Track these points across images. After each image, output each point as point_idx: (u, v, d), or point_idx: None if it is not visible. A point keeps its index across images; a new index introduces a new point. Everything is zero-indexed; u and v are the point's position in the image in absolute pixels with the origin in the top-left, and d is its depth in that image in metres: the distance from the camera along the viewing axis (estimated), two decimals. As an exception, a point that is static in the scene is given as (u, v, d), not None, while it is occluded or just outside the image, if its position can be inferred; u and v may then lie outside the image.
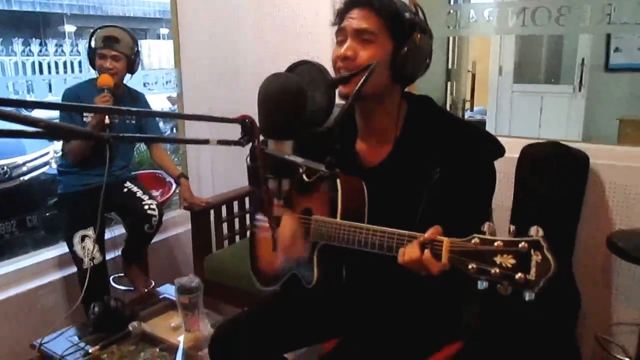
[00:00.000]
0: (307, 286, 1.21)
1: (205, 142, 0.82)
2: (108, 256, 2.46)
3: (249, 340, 1.28)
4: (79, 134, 0.72)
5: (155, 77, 3.01)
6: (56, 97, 2.58)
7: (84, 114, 2.30)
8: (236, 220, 2.69)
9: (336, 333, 1.37)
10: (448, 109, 4.04)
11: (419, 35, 1.14)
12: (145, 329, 1.91)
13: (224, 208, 2.61)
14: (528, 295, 0.85)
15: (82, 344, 1.82)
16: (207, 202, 2.53)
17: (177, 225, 2.99)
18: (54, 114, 2.96)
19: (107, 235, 2.54)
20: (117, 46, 2.33)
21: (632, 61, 4.06)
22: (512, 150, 2.12)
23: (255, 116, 0.94)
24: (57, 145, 3.71)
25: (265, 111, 0.95)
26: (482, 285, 0.90)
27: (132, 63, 2.40)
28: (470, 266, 0.90)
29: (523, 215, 2.08)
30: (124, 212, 2.50)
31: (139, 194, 2.47)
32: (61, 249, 2.60)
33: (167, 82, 3.06)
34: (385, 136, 1.24)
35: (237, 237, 2.71)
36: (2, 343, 2.24)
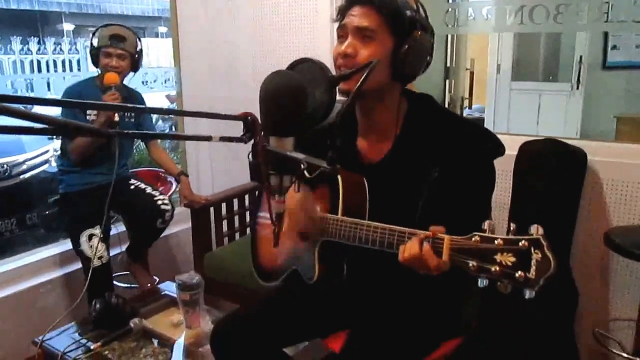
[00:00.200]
0: (308, 282, 1.22)
1: (208, 138, 0.83)
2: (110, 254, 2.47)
3: (249, 334, 1.29)
4: (87, 131, 0.73)
5: (155, 76, 3.02)
6: (55, 95, 2.58)
7: (87, 113, 2.30)
8: (236, 218, 2.70)
9: (336, 328, 1.38)
10: (447, 106, 4.05)
11: (419, 33, 1.15)
12: (147, 325, 1.93)
13: (223, 206, 2.62)
14: (528, 294, 0.86)
15: (83, 341, 1.83)
16: (207, 200, 2.54)
17: (177, 223, 2.99)
18: (53, 112, 2.96)
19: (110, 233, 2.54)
20: (123, 45, 2.34)
21: (630, 59, 4.07)
22: (510, 147, 2.12)
23: (256, 113, 0.95)
24: (57, 143, 3.72)
25: (266, 108, 0.96)
26: (482, 283, 0.90)
27: (135, 61, 2.42)
28: (470, 264, 0.91)
29: (521, 212, 2.10)
30: (133, 209, 2.49)
31: (149, 190, 2.49)
32: (61, 246, 2.61)
33: (166, 81, 3.07)
34: (385, 133, 1.24)
35: (237, 235, 2.72)
36: (3, 340, 2.25)
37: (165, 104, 5.56)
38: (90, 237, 2.23)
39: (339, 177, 1.18)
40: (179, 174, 2.56)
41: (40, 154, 3.67)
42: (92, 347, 1.78)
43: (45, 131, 0.61)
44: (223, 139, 0.83)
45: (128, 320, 1.89)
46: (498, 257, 0.88)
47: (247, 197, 2.73)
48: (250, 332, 1.30)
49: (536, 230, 0.87)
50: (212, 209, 2.56)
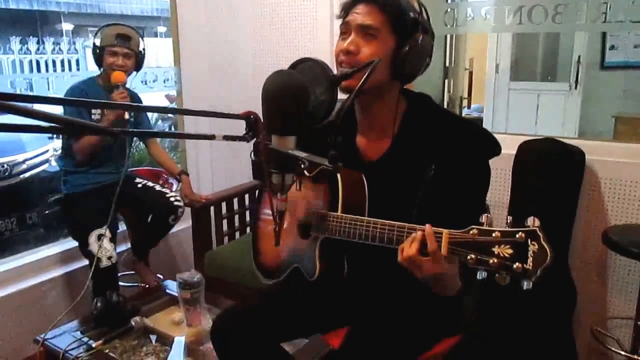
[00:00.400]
0: (309, 279, 1.23)
1: (212, 137, 0.84)
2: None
3: (249, 327, 1.30)
4: (95, 130, 0.74)
5: (154, 75, 3.03)
6: (56, 95, 2.59)
7: (92, 112, 2.31)
8: (236, 217, 2.71)
9: (336, 324, 1.39)
10: (445, 106, 4.06)
11: (421, 35, 1.16)
12: (148, 323, 1.94)
13: (224, 205, 2.63)
14: (526, 285, 0.88)
15: (85, 339, 1.85)
16: (208, 199, 2.55)
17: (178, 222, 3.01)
18: (54, 111, 2.96)
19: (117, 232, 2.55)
20: (129, 44, 2.35)
21: (628, 59, 4.09)
22: (509, 146, 2.15)
23: (256, 112, 0.96)
24: (57, 143, 3.72)
25: (268, 108, 0.97)
26: (481, 275, 0.92)
27: (139, 61, 2.43)
28: (469, 257, 0.92)
29: (520, 211, 2.11)
30: (143, 206, 2.50)
31: (158, 187, 2.50)
32: (63, 245, 2.63)
33: (165, 80, 3.08)
34: (384, 132, 1.26)
35: (237, 234, 2.73)
36: (5, 338, 2.26)
37: (164, 103, 5.56)
38: (99, 237, 2.22)
39: (338, 174, 1.19)
40: (180, 173, 2.57)
41: (40, 153, 3.67)
42: (93, 345, 1.80)
43: (53, 130, 0.62)
44: (227, 137, 0.84)
45: (129, 318, 1.91)
46: (496, 250, 0.90)
47: (247, 196, 2.74)
48: (250, 326, 1.30)
49: (532, 222, 0.89)
50: (212, 208, 2.57)
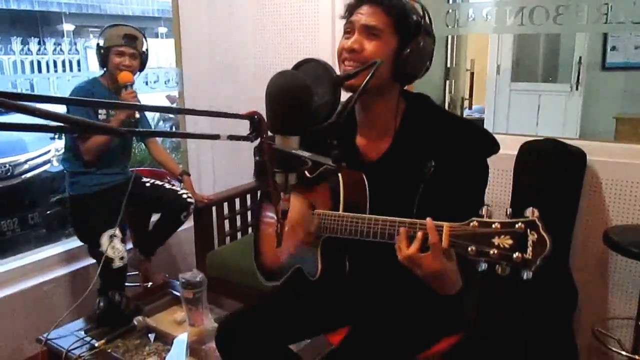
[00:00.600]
0: (311, 279, 1.24)
1: (216, 137, 0.84)
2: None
3: (254, 331, 1.31)
4: (104, 130, 0.74)
5: (156, 76, 3.03)
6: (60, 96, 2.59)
7: (99, 112, 2.31)
8: (238, 217, 2.72)
9: (339, 324, 1.39)
10: (447, 107, 4.07)
11: (423, 38, 1.18)
12: (150, 323, 1.94)
13: (225, 205, 2.64)
14: (526, 275, 0.89)
15: (87, 338, 1.85)
16: (209, 199, 2.56)
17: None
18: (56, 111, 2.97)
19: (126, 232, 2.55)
20: (135, 44, 2.36)
21: (628, 60, 4.10)
22: (510, 147, 2.16)
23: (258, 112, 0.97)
24: (58, 144, 3.73)
25: (272, 108, 0.98)
26: (481, 266, 0.93)
27: (143, 61, 2.44)
28: (469, 249, 0.93)
29: (521, 212, 2.11)
30: (155, 204, 2.51)
31: (167, 185, 2.51)
32: (66, 245, 2.63)
33: (167, 81, 3.08)
34: (384, 131, 1.27)
35: (239, 234, 2.74)
36: (8, 338, 2.27)
37: (165, 104, 5.58)
38: (111, 238, 2.23)
39: (339, 175, 1.20)
40: (181, 173, 2.58)
41: (42, 153, 3.67)
42: (96, 345, 1.80)
43: (62, 129, 0.62)
44: (231, 137, 0.85)
45: (132, 318, 1.91)
46: (496, 241, 0.91)
47: (248, 196, 2.75)
48: (255, 330, 1.31)
49: (532, 212, 0.91)
50: (214, 208, 2.58)
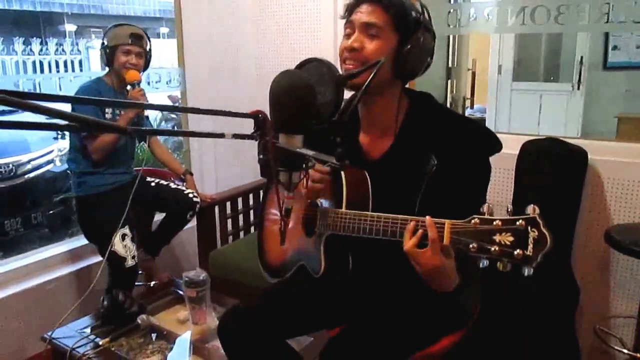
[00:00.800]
0: (314, 276, 1.25)
1: (221, 135, 0.85)
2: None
3: (255, 324, 1.31)
4: (113, 129, 0.75)
5: (158, 76, 3.04)
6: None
7: (105, 111, 2.31)
8: (240, 217, 2.73)
9: (340, 320, 1.40)
10: (449, 106, 4.07)
11: (422, 34, 1.19)
12: (154, 322, 1.95)
13: (228, 204, 2.65)
14: (527, 271, 0.90)
15: (91, 337, 1.86)
16: (212, 199, 2.57)
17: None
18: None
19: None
20: (141, 43, 2.37)
21: (630, 59, 4.10)
22: (512, 146, 2.16)
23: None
24: (61, 143, 3.74)
25: (276, 107, 0.99)
26: (483, 263, 0.94)
27: (148, 61, 2.45)
28: (471, 246, 0.94)
29: (523, 211, 2.12)
30: (162, 203, 2.52)
31: (172, 185, 2.53)
32: (68, 244, 2.64)
33: (168, 81, 3.09)
34: (386, 129, 1.28)
35: (242, 233, 2.75)
36: (13, 337, 2.28)
37: (167, 104, 5.59)
38: (123, 237, 2.24)
39: (342, 173, 1.21)
40: (184, 173, 2.59)
41: (45, 153, 3.69)
42: (100, 343, 1.81)
43: (71, 128, 0.63)
44: (236, 136, 0.86)
45: (135, 316, 1.92)
46: (497, 238, 0.93)
47: (251, 195, 2.76)
48: (257, 323, 1.32)
49: (532, 209, 0.92)
50: (217, 207, 2.59)
